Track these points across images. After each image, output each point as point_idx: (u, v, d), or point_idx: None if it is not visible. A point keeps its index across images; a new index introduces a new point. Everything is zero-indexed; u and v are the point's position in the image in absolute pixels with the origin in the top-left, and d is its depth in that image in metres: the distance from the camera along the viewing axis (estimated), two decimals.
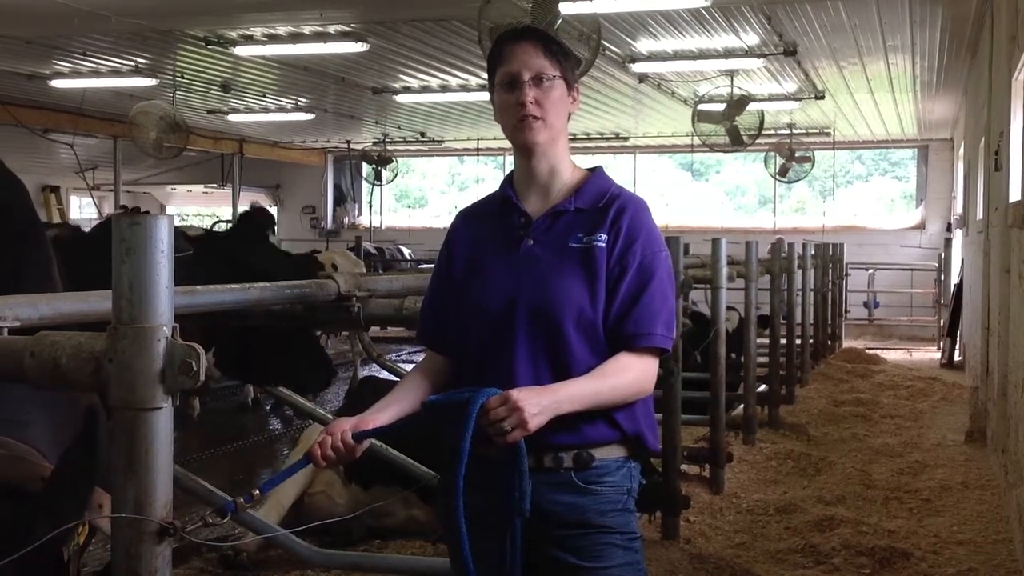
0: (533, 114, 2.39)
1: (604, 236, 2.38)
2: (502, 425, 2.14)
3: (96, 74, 12.90)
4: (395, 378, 5.52)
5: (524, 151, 2.46)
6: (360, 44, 10.85)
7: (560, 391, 2.24)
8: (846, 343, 15.48)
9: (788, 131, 17.02)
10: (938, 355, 14.49)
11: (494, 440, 2.16)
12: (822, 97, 14.02)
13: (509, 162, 2.58)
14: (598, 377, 2.30)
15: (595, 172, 2.54)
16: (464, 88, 13.82)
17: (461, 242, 2.53)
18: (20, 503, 2.03)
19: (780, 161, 16.34)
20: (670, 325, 2.39)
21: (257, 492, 2.06)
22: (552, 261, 2.38)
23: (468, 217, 2.60)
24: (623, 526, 2.38)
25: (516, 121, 2.41)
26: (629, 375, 2.33)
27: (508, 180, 2.55)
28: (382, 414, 2.36)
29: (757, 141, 13.61)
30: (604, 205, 2.43)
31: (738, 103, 12.57)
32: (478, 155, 21.37)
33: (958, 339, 13.39)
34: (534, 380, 2.29)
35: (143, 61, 12.32)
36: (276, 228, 22.98)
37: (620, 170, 21.24)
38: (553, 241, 2.41)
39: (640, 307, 2.34)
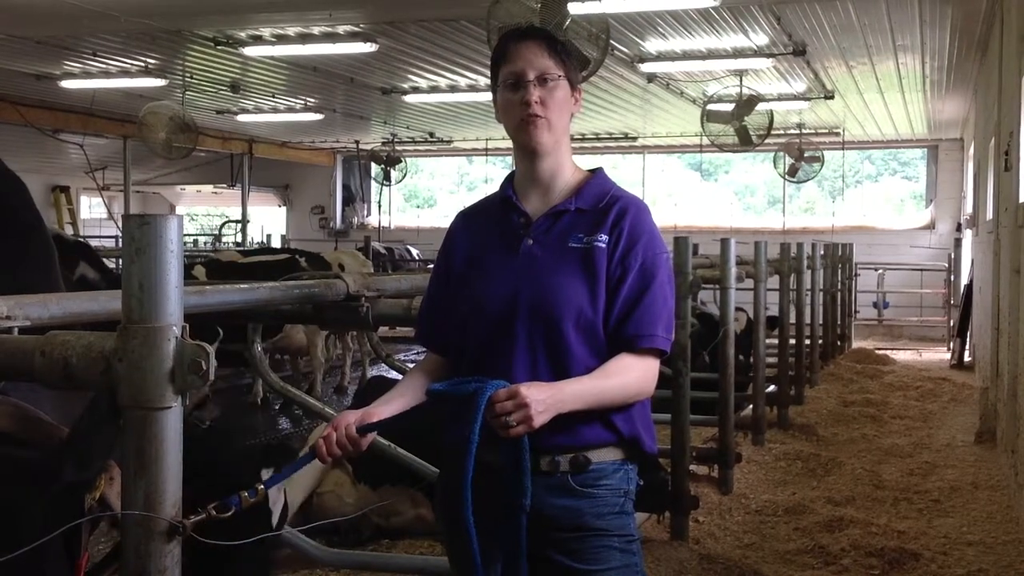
0: (537, 114, 2.39)
1: (605, 237, 2.37)
2: (507, 419, 2.14)
3: (106, 74, 12.94)
4: None
5: (527, 151, 2.46)
6: (369, 44, 10.87)
7: (565, 388, 2.23)
8: (855, 343, 15.45)
9: (797, 131, 16.99)
10: (948, 356, 14.44)
11: (497, 432, 2.15)
12: (831, 97, 14.00)
13: (515, 163, 2.58)
14: (602, 376, 2.30)
15: (596, 173, 2.53)
16: (473, 88, 13.82)
17: (461, 243, 2.53)
18: (50, 447, 2.08)
19: (789, 161, 16.32)
20: (670, 327, 2.39)
21: (261, 487, 2.06)
22: (552, 261, 2.38)
23: (468, 218, 2.60)
24: (620, 528, 2.38)
25: (520, 121, 2.41)
26: (631, 375, 2.33)
27: (508, 180, 2.55)
28: (386, 407, 2.36)
29: (766, 141, 13.58)
30: (605, 206, 2.42)
31: (747, 103, 12.55)
32: (487, 155, 21.38)
33: (968, 339, 13.35)
34: (533, 380, 2.28)
35: (152, 61, 12.36)
36: (286, 228, 23.24)
37: (629, 170, 21.23)
38: (553, 241, 2.40)
39: (641, 309, 2.34)
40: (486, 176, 22.28)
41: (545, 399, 2.16)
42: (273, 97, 15.32)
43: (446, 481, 2.30)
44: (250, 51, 11.40)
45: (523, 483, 2.22)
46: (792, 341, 9.72)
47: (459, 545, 2.24)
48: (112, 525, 2.34)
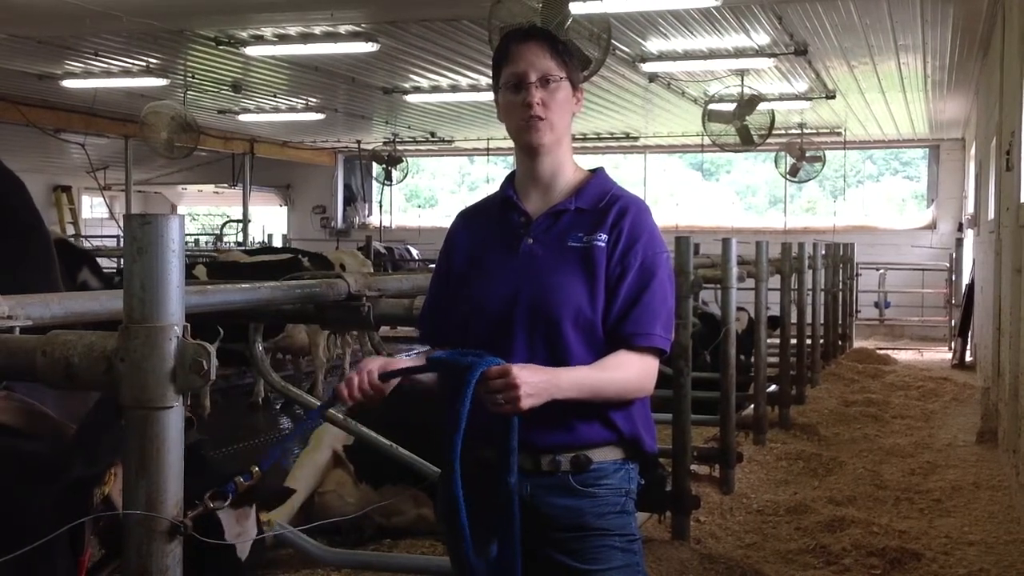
0: (539, 115, 2.39)
1: (604, 236, 2.38)
2: (496, 397, 2.14)
3: (108, 74, 12.94)
4: None
5: (529, 151, 2.46)
6: (370, 44, 10.87)
7: (562, 375, 2.24)
8: (857, 343, 15.44)
9: (799, 131, 16.98)
10: (949, 355, 14.44)
11: (486, 407, 2.16)
12: (833, 97, 13.99)
13: (516, 163, 2.59)
14: (600, 368, 2.30)
15: (596, 173, 2.54)
16: (474, 88, 13.82)
17: (461, 242, 2.54)
18: (58, 442, 2.10)
19: (791, 161, 16.30)
20: (669, 327, 2.39)
21: (256, 469, 2.06)
22: (551, 260, 2.38)
23: (468, 217, 2.61)
24: (621, 528, 2.38)
25: (522, 122, 2.41)
26: (630, 371, 2.33)
27: (509, 180, 2.55)
28: (407, 362, 2.38)
29: (768, 141, 13.57)
30: (605, 206, 2.43)
31: (749, 103, 12.54)
32: (488, 155, 21.38)
33: (969, 339, 13.35)
34: None
35: (154, 61, 12.36)
36: (288, 227, 23.24)
37: (630, 170, 21.23)
38: (553, 240, 2.41)
39: (640, 307, 2.35)
40: (487, 176, 22.28)
41: (536, 383, 2.16)
42: (275, 97, 15.32)
43: (440, 452, 2.31)
44: (252, 51, 11.40)
45: (509, 462, 2.22)
46: (793, 341, 9.72)
47: (450, 523, 2.24)
48: (101, 544, 2.34)
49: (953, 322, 15.21)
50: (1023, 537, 5.56)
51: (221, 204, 27.32)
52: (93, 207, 24.89)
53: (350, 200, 23.40)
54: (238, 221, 21.30)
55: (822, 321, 11.73)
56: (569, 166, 2.50)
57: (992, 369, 8.48)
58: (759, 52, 11.33)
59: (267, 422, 9.82)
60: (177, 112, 12.90)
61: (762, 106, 12.74)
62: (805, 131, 17.13)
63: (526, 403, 2.15)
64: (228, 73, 13.28)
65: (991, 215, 9.13)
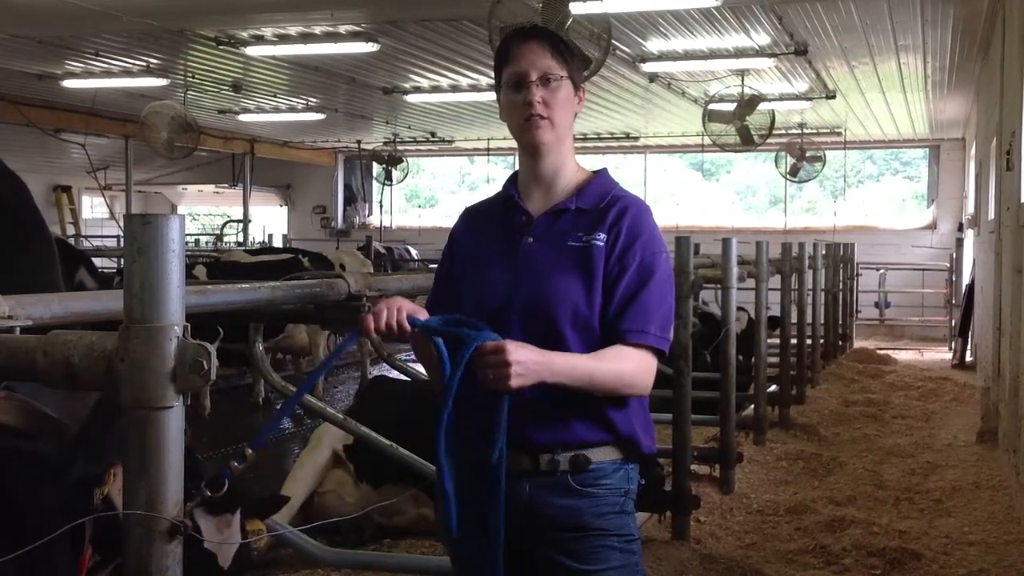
0: (540, 114, 2.40)
1: (603, 235, 2.38)
2: (487, 372, 2.15)
3: (108, 74, 12.95)
4: (405, 377, 5.53)
5: (530, 151, 2.47)
6: (371, 44, 10.88)
7: (557, 359, 2.23)
8: (857, 343, 15.44)
9: (799, 131, 16.98)
10: (949, 355, 14.44)
11: (480, 381, 2.16)
12: (833, 97, 13.99)
13: (519, 162, 2.59)
14: (596, 358, 2.30)
15: (599, 174, 2.54)
16: (474, 88, 13.83)
17: (464, 241, 2.55)
18: (60, 442, 2.11)
19: (791, 161, 16.30)
20: (666, 326, 2.38)
21: (249, 451, 2.06)
22: (549, 259, 2.39)
23: (470, 217, 2.62)
24: (620, 528, 2.38)
25: (523, 121, 2.42)
26: (627, 365, 2.32)
27: (512, 179, 2.56)
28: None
29: (768, 141, 13.57)
30: (605, 206, 2.43)
31: (749, 103, 12.54)
32: (488, 155, 21.38)
33: (969, 339, 13.35)
34: None
35: (154, 61, 12.37)
36: (288, 228, 23.25)
37: (630, 170, 21.22)
38: (552, 239, 2.41)
39: (636, 305, 2.34)
40: (487, 176, 22.27)
41: (528, 363, 2.16)
42: (275, 97, 15.33)
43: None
44: (252, 51, 11.41)
45: (495, 439, 2.21)
46: (793, 341, 9.72)
47: (438, 493, 2.23)
48: (94, 550, 2.35)
49: (953, 322, 15.21)
50: (1023, 537, 5.56)
51: (221, 204, 27.34)
52: (93, 207, 24.90)
53: (350, 200, 23.40)
54: (238, 221, 21.31)
55: (822, 321, 11.73)
56: (571, 166, 2.51)
57: (992, 369, 8.48)
58: (759, 52, 11.33)
59: (267, 422, 9.80)
60: (177, 112, 12.90)
61: (762, 106, 12.75)
62: (805, 131, 17.13)
63: (515, 382, 2.14)
64: (228, 73, 13.29)
65: (991, 215, 9.13)
